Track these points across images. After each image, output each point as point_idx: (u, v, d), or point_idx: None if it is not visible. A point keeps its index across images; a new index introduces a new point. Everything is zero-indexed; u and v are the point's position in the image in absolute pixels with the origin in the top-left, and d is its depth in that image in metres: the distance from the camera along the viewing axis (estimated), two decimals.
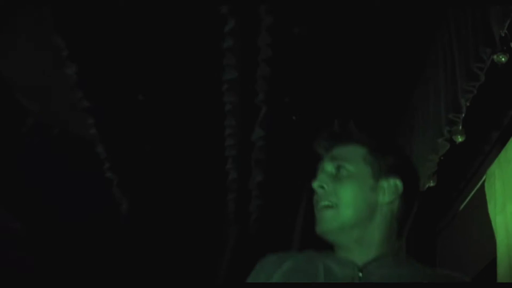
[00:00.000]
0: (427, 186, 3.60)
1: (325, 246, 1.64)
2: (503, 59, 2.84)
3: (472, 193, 4.02)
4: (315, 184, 1.59)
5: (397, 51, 3.37)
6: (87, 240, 5.28)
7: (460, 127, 3.11)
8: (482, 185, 3.73)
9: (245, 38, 3.31)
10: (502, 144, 3.48)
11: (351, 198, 1.57)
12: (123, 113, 4.36)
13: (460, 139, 3.24)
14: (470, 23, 2.83)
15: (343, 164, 1.61)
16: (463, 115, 2.99)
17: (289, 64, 3.52)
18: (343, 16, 3.21)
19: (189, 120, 4.32)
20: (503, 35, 2.71)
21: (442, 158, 3.37)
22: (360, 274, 1.50)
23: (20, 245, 5.17)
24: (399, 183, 1.61)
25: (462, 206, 4.24)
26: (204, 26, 3.39)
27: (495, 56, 2.80)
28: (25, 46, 4.20)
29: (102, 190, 5.09)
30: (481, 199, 3.69)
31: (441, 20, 3.18)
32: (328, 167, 1.63)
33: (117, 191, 5.09)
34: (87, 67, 3.81)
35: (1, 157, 5.08)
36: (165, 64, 3.83)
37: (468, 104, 2.95)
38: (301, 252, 1.67)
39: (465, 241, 4.06)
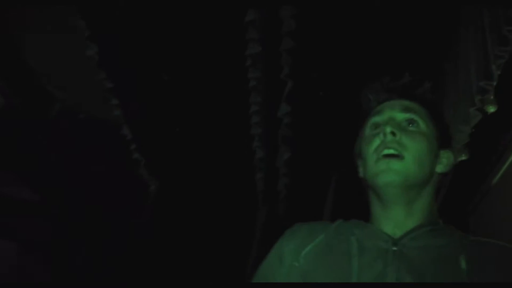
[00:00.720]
0: (458, 159, 3.52)
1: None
2: None
3: (505, 166, 3.94)
4: (389, 129, 1.51)
5: (425, 18, 3.27)
6: (118, 220, 5.30)
7: (492, 96, 3.03)
8: None
9: (267, 10, 3.24)
10: None
11: (420, 155, 1.51)
12: (148, 93, 4.33)
13: (492, 109, 3.15)
14: None
15: (417, 119, 1.56)
16: (495, 83, 2.90)
17: (315, 36, 3.44)
18: None
19: (213, 98, 4.28)
20: None
21: (473, 130, 3.29)
22: (394, 248, 1.43)
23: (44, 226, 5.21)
24: (452, 157, 1.58)
25: (495, 181, 4.17)
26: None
27: None
28: (48, 29, 4.20)
29: (130, 172, 5.10)
30: None
31: None
32: (399, 116, 1.56)
33: (145, 172, 5.09)
34: (109, 47, 3.78)
35: (29, 143, 5.11)
36: (187, 42, 3.78)
37: (499, 72, 2.86)
38: (332, 223, 1.61)
39: (499, 217, 3.99)
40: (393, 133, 1.50)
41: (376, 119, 1.59)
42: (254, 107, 4.00)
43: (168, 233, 5.37)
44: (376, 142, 1.53)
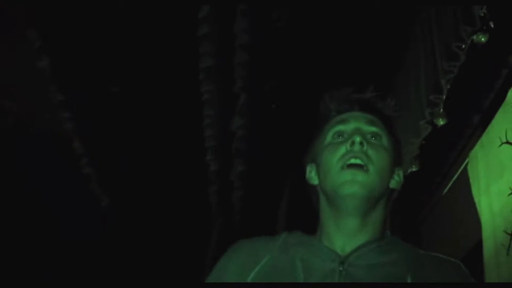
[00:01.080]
0: (409, 171, 3.58)
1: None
2: (482, 39, 2.82)
3: (455, 176, 4.02)
4: (359, 139, 1.47)
5: (377, 33, 3.32)
6: (69, 237, 5.21)
7: (441, 110, 3.09)
8: (465, 168, 3.72)
9: (221, 24, 3.24)
10: (484, 126, 3.46)
11: (382, 169, 1.48)
12: (100, 106, 4.28)
13: (441, 122, 3.22)
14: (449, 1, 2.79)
15: (381, 134, 1.53)
16: (444, 96, 2.97)
17: (267, 49, 3.46)
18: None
19: (166, 111, 4.25)
20: (483, 14, 2.68)
21: (424, 142, 3.35)
22: (341, 268, 1.42)
23: None
24: (402, 175, 1.57)
25: (445, 191, 4.24)
26: (178, 12, 3.32)
27: (474, 37, 2.77)
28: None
29: (81, 187, 5.02)
30: (464, 183, 3.68)
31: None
32: (365, 128, 1.53)
33: (96, 187, 5.02)
34: (60, 59, 3.72)
35: None
36: (139, 54, 3.75)
37: (449, 86, 2.92)
38: (276, 238, 1.57)
39: (449, 225, 4.06)
40: (361, 144, 1.48)
41: (341, 127, 1.55)
42: (207, 120, 4.00)
43: (121, 248, 5.31)
44: (342, 150, 1.49)
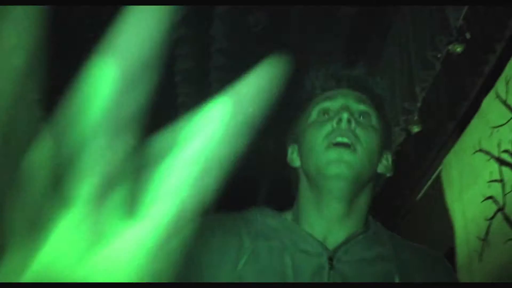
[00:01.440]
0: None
1: None
2: (458, 49, 2.84)
3: (429, 183, 4.05)
4: (346, 115, 1.36)
5: (352, 41, 3.33)
6: None
7: (416, 117, 3.11)
8: (439, 175, 3.76)
9: (198, 27, 3.22)
10: (458, 134, 3.50)
11: (371, 150, 1.37)
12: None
13: (416, 129, 3.24)
14: (426, 11, 2.81)
15: (371, 113, 1.42)
16: (419, 104, 2.98)
17: (244, 53, 3.45)
18: (299, 3, 3.15)
19: (141, 113, 4.22)
20: (459, 25, 2.70)
21: (398, 148, 3.37)
22: (329, 265, 1.36)
23: None
24: (391, 159, 1.49)
25: (419, 197, 4.27)
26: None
27: (450, 46, 2.79)
28: None
29: None
30: (437, 189, 3.72)
31: (397, 8, 3.15)
32: (354, 106, 1.41)
33: None
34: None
35: None
36: None
37: (424, 94, 2.94)
38: (251, 222, 1.48)
39: (423, 231, 4.09)
40: (349, 121, 1.37)
41: (327, 104, 1.44)
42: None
43: None
44: (327, 128, 1.38)
